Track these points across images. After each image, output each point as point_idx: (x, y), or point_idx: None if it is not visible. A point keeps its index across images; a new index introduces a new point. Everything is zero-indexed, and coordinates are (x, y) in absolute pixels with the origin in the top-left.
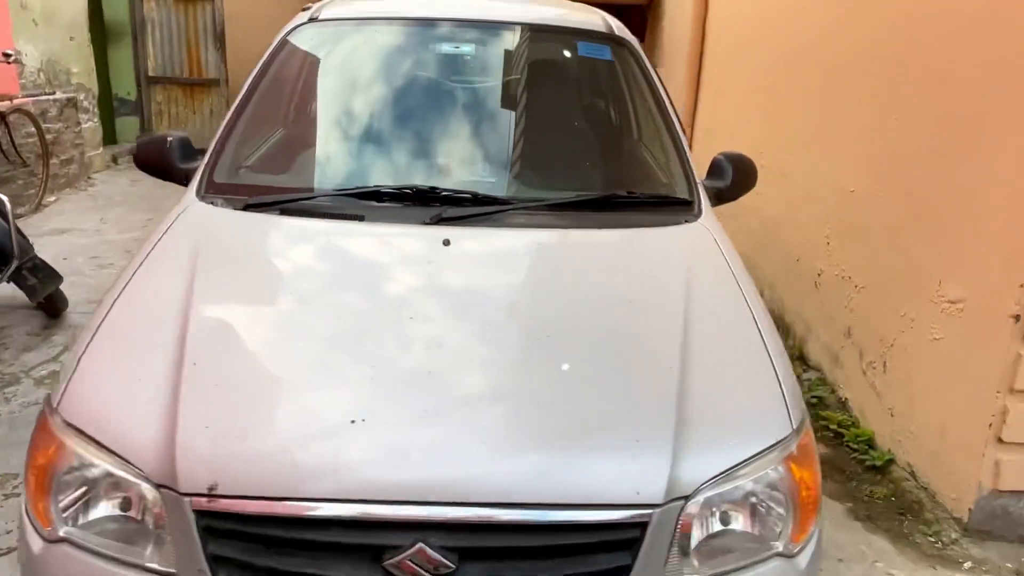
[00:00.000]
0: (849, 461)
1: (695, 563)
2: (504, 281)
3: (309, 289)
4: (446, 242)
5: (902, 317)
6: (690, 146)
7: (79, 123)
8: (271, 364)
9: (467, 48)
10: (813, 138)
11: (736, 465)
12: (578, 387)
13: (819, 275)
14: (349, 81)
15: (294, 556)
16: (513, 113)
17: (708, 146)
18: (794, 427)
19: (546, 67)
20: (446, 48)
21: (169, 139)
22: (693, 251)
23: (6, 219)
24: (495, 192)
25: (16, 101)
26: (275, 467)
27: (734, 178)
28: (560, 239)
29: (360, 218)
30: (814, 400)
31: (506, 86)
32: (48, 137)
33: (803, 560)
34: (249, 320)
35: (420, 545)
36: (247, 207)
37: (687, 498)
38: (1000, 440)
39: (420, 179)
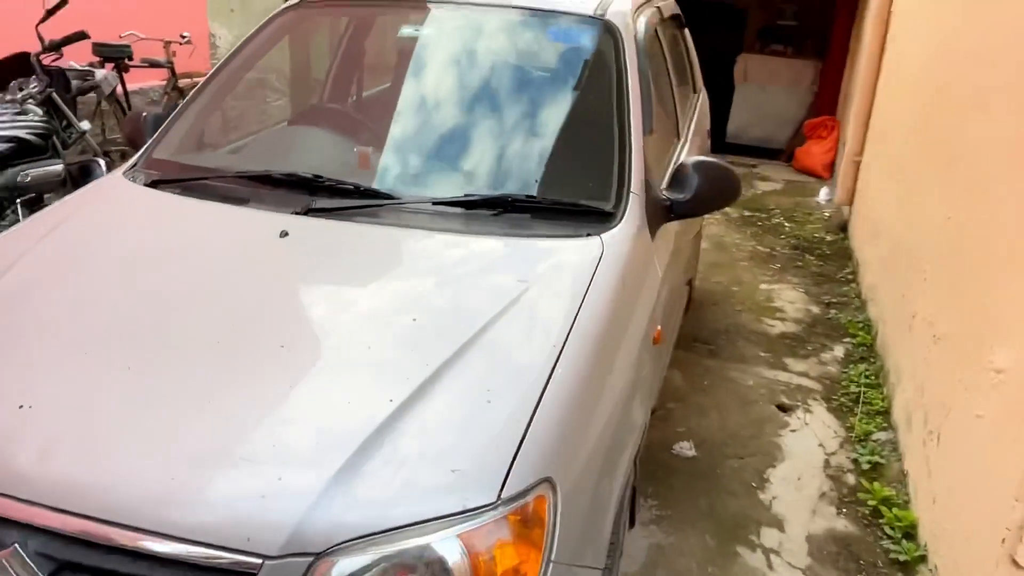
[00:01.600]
0: (874, 549)
1: None
2: (300, 284)
3: (102, 267)
4: (283, 234)
5: (958, 382)
6: (860, 151)
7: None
8: (7, 335)
9: (427, 32)
10: (937, 151)
11: (393, 529)
12: (262, 409)
13: (913, 317)
14: (299, 67)
15: None
16: (446, 106)
17: (877, 153)
18: (502, 496)
19: (502, 54)
20: (407, 35)
21: (144, 115)
22: (553, 270)
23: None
24: (387, 186)
25: (198, 78)
26: None
27: (699, 191)
28: (414, 242)
29: (244, 201)
30: (868, 465)
31: (452, 77)
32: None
33: None
34: (32, 289)
35: (15, 545)
36: (153, 183)
37: (317, 555)
38: (1015, 562)
39: (328, 167)
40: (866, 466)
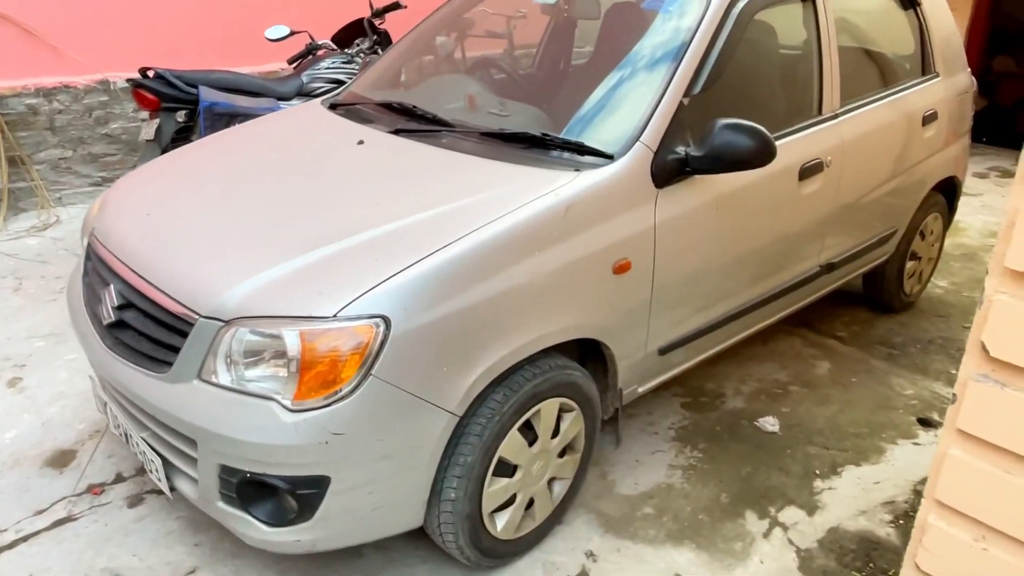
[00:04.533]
0: (899, 562)
1: (227, 376)
2: (341, 170)
3: (247, 147)
4: (360, 142)
5: None
6: None
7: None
8: (177, 176)
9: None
10: None
11: (266, 316)
12: (251, 235)
13: None
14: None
15: (95, 276)
16: (554, 61)
17: None
18: (337, 315)
19: (595, 23)
20: (542, 2)
21: (367, 63)
22: (516, 189)
23: None
24: (459, 119)
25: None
26: (110, 223)
27: (714, 148)
28: (440, 158)
29: (370, 121)
30: None
31: (554, 41)
32: None
33: (299, 416)
34: (201, 157)
35: (111, 284)
36: (331, 106)
37: (225, 323)
38: None
39: (437, 105)
40: None
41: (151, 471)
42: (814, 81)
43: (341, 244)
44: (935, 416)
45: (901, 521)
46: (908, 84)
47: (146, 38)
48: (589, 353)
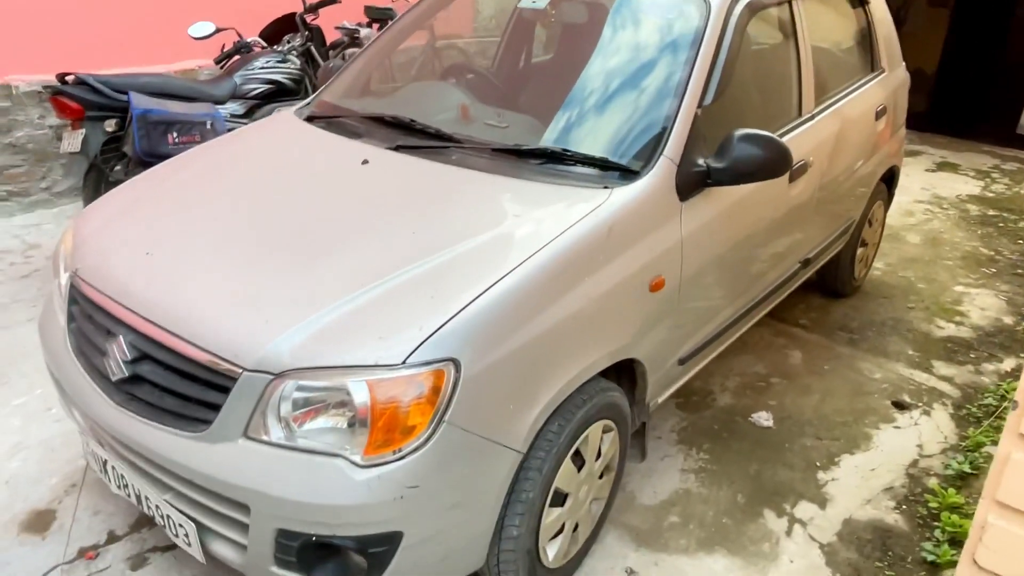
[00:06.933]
0: (912, 547)
1: (279, 433)
2: (355, 198)
3: (236, 169)
4: (364, 161)
5: None
6: None
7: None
8: (166, 205)
9: (540, 4)
10: None
11: (327, 367)
12: (283, 274)
13: None
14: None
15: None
16: (532, 71)
17: None
18: (406, 362)
19: (596, 28)
20: (526, 6)
21: (331, 66)
22: (551, 211)
23: None
24: (464, 133)
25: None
26: (100, 262)
27: (736, 160)
28: (458, 178)
29: (359, 136)
30: (955, 472)
31: (546, 47)
32: None
33: (371, 473)
34: (188, 180)
35: (120, 336)
36: (308, 118)
37: (275, 375)
38: None
39: (433, 116)
40: (952, 472)
41: (177, 535)
42: (793, 83)
43: (389, 282)
44: (906, 398)
45: (904, 507)
46: (863, 80)
47: (48, 37)
48: (614, 369)
